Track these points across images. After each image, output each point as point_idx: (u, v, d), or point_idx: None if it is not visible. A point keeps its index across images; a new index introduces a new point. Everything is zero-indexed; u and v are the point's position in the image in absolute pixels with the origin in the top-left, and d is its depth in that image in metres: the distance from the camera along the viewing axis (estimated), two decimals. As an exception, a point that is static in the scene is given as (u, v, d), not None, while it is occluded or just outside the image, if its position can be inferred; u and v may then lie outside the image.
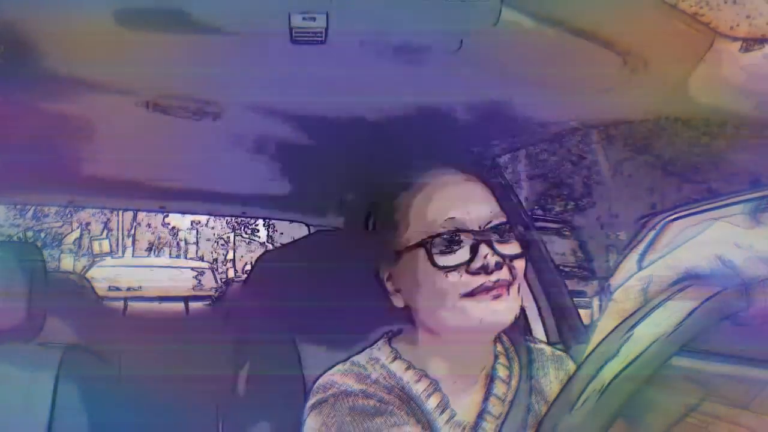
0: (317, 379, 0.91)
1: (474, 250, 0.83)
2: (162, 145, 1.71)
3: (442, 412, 0.89)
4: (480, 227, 0.85)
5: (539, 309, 1.61)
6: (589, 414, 0.59)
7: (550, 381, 0.97)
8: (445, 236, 0.84)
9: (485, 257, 0.83)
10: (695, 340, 0.60)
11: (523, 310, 1.62)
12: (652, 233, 4.81)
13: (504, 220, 0.87)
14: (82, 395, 1.21)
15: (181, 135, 1.56)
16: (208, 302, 3.24)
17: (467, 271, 0.83)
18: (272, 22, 0.95)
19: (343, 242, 1.19)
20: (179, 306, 3.08)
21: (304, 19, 0.94)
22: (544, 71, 1.12)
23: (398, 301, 0.90)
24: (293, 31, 0.96)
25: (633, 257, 4.87)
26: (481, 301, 0.83)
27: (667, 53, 0.97)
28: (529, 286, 1.62)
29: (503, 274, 0.83)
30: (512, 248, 0.86)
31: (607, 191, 11.04)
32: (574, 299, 1.69)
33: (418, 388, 0.89)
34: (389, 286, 0.91)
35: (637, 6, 0.90)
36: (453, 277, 0.83)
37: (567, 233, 8.28)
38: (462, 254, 0.84)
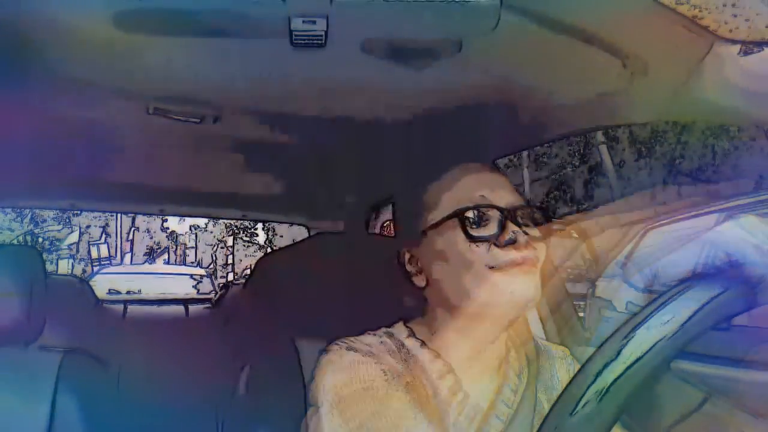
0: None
1: (502, 226, 0.89)
2: (162, 147, 1.72)
3: (455, 393, 0.91)
4: (507, 207, 0.90)
5: (539, 311, 1.62)
6: (591, 416, 0.59)
7: (559, 378, 0.99)
8: (476, 210, 0.89)
9: (513, 232, 0.88)
10: (697, 341, 0.59)
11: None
12: (633, 240, 4.87)
13: (525, 204, 0.93)
14: (81, 398, 1.20)
15: (181, 138, 1.56)
16: (207, 305, 3.24)
17: (495, 245, 0.88)
18: (272, 25, 0.95)
19: (344, 245, 1.20)
20: (179, 309, 3.08)
21: (304, 22, 0.94)
22: (544, 74, 1.12)
23: (420, 281, 0.95)
24: (293, 34, 0.96)
25: (615, 263, 4.92)
26: (512, 275, 0.87)
27: (666, 56, 0.98)
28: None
29: (531, 251, 0.88)
30: (534, 231, 0.91)
31: (610, 193, 11.06)
32: (576, 302, 1.69)
33: (432, 367, 0.92)
34: (410, 267, 0.96)
35: (637, 9, 0.90)
36: (482, 248, 0.88)
37: (575, 235, 8.29)
38: (491, 228, 0.89)
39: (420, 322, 0.97)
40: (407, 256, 0.96)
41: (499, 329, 0.94)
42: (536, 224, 0.92)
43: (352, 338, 0.94)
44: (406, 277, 0.96)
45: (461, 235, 0.89)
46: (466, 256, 0.88)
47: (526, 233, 0.89)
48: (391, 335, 0.95)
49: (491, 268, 0.87)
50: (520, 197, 0.93)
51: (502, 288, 0.87)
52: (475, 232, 0.88)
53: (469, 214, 0.89)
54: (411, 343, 0.94)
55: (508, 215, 0.89)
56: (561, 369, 1.01)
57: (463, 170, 0.95)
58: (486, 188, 0.92)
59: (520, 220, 0.90)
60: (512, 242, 0.87)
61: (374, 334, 0.95)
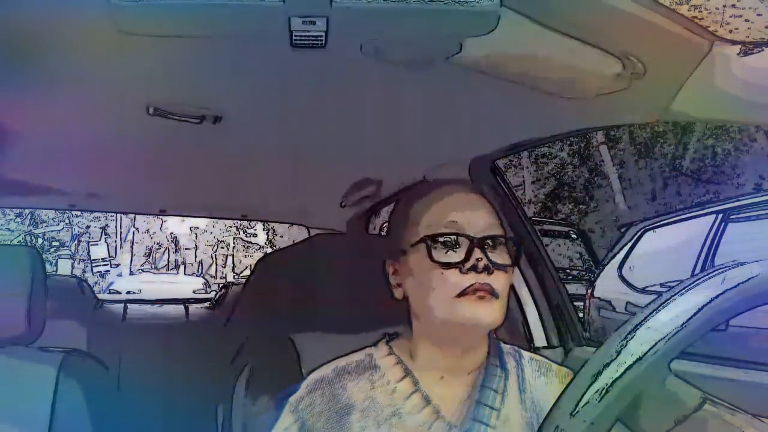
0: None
1: (468, 253, 0.90)
2: (162, 148, 1.72)
3: (423, 408, 0.92)
4: (476, 234, 0.92)
5: (539, 312, 1.61)
6: (591, 416, 0.59)
7: (545, 392, 0.98)
8: (444, 236, 0.91)
9: (477, 260, 0.90)
10: (697, 342, 0.60)
11: (523, 313, 1.63)
12: (632, 241, 4.88)
13: (500, 233, 0.94)
14: (82, 399, 1.20)
15: (182, 138, 1.56)
16: (208, 305, 3.24)
17: (460, 271, 0.90)
18: (272, 25, 0.95)
19: (344, 245, 1.20)
20: (179, 310, 3.08)
21: (304, 23, 0.94)
22: (544, 75, 1.12)
23: (399, 294, 0.97)
24: (293, 35, 0.96)
25: (614, 263, 4.94)
26: (471, 302, 0.90)
27: (666, 57, 0.98)
28: (529, 289, 1.62)
29: (491, 279, 0.90)
30: (502, 258, 0.92)
31: (609, 194, 11.06)
32: (575, 303, 1.69)
33: (400, 387, 0.94)
34: (393, 279, 0.98)
35: (636, 10, 0.90)
36: (448, 275, 0.90)
37: (573, 236, 8.30)
38: (458, 254, 0.91)
39: (403, 338, 0.99)
40: (391, 268, 0.98)
41: (464, 348, 0.95)
42: (509, 250, 0.93)
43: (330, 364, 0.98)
44: (388, 288, 0.98)
45: (427, 259, 0.91)
46: (430, 279, 0.91)
47: (492, 261, 0.90)
48: (370, 355, 0.98)
49: (453, 294, 0.90)
50: (495, 222, 0.94)
51: (461, 313, 0.90)
52: (440, 258, 0.90)
53: (437, 240, 0.91)
54: (386, 363, 0.97)
55: (475, 243, 0.91)
56: (546, 380, 1.00)
57: (440, 192, 0.97)
58: (458, 211, 0.93)
59: (487, 248, 0.91)
60: (475, 269, 0.89)
61: (360, 352, 0.99)
